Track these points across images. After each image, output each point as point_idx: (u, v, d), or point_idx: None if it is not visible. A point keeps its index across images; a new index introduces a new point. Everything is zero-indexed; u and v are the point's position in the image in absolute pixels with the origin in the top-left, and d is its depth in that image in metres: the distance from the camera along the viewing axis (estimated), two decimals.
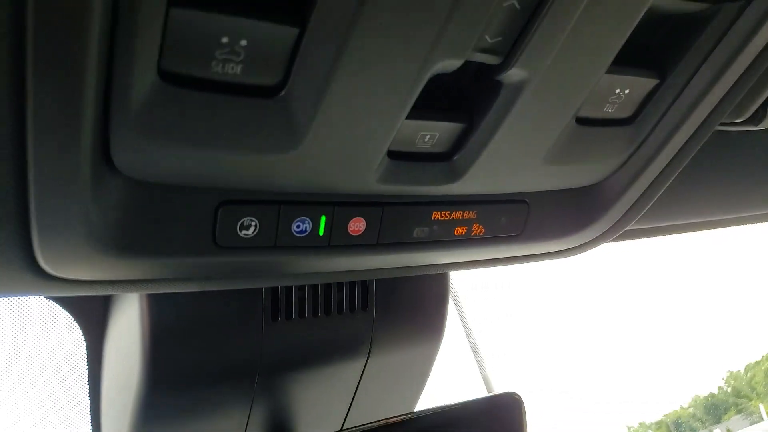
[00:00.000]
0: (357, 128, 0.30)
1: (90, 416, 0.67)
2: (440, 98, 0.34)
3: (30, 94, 0.24)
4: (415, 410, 0.71)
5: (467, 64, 0.30)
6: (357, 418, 0.66)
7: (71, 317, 0.62)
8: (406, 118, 0.31)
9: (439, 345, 0.66)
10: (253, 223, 0.35)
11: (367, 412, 0.66)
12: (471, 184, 0.38)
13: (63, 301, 0.62)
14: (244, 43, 0.26)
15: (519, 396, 0.62)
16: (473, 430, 0.60)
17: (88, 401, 0.66)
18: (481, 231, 0.43)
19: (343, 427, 0.66)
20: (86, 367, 0.64)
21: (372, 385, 0.63)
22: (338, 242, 0.38)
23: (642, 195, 0.47)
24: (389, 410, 0.66)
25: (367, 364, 0.60)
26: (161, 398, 0.51)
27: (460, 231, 0.42)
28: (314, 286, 0.55)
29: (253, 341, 0.52)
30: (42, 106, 0.24)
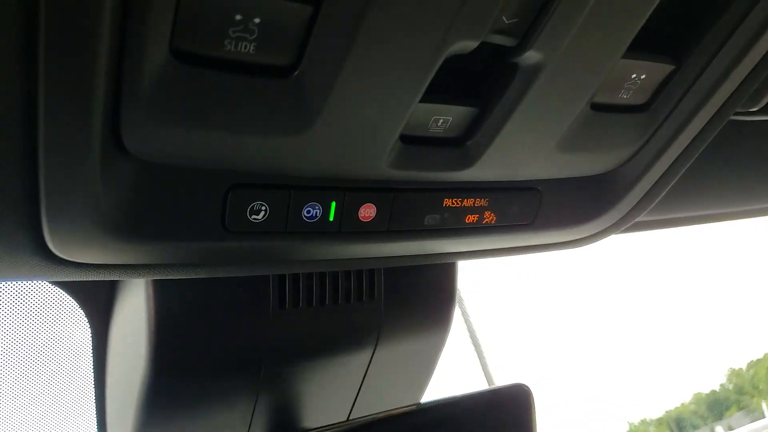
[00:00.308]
0: (370, 110, 0.30)
1: (95, 403, 0.67)
2: (454, 82, 0.34)
3: (41, 74, 0.23)
4: (421, 401, 0.71)
5: (482, 46, 0.30)
6: (363, 409, 0.65)
7: (76, 304, 0.62)
8: (419, 101, 0.31)
9: (447, 335, 0.65)
10: (264, 208, 0.34)
11: (374, 402, 0.66)
12: (483, 170, 0.38)
13: (68, 287, 0.62)
14: (257, 20, 0.25)
15: (527, 387, 0.61)
16: (481, 421, 0.60)
17: (93, 388, 0.66)
18: (492, 219, 0.42)
19: (349, 418, 0.66)
20: (91, 354, 0.64)
21: (379, 375, 0.63)
22: (348, 228, 0.38)
23: (655, 184, 0.46)
24: (395, 401, 0.66)
25: (375, 354, 0.60)
26: (167, 386, 0.51)
27: (471, 219, 0.41)
28: (322, 274, 0.54)
29: (260, 329, 0.52)
30: (53, 86, 0.24)
